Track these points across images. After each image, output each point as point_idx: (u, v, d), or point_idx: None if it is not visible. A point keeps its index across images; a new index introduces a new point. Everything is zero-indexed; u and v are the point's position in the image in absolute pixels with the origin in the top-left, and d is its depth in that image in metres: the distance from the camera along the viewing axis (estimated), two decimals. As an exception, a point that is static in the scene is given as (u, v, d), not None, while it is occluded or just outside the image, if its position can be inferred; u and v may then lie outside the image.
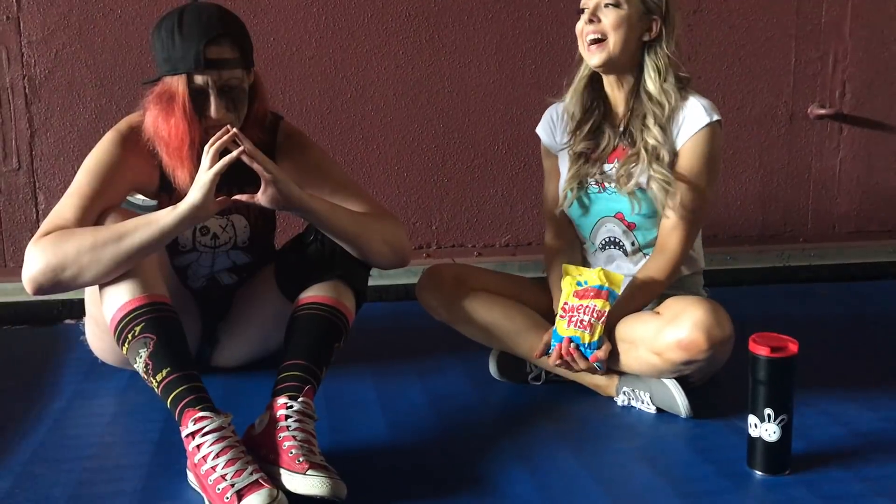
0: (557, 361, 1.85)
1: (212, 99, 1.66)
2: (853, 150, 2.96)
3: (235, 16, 1.73)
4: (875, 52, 2.91)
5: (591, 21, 1.84)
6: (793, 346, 1.58)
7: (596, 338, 1.80)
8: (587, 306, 1.80)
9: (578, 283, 1.84)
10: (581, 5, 1.88)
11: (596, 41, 1.84)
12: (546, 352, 1.87)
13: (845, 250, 2.99)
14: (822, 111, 2.89)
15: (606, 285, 1.81)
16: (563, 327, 1.83)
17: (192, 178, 1.62)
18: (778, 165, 2.93)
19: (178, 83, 1.65)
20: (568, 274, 1.87)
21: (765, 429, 1.58)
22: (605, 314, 1.80)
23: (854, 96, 2.93)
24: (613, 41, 1.83)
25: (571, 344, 1.81)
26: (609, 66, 1.86)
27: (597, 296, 1.81)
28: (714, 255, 2.79)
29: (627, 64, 1.87)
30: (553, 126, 2.02)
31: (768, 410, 1.57)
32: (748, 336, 1.60)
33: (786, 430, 1.58)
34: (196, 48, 1.63)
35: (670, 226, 1.87)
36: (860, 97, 2.93)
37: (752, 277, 2.93)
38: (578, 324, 1.80)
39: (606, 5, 1.83)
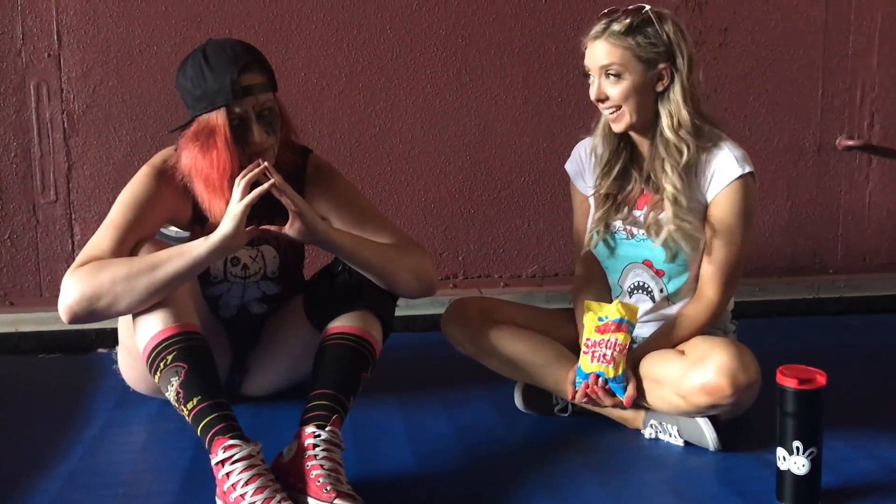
0: (584, 399, 1.85)
1: (253, 125, 1.69)
2: (883, 182, 2.93)
3: (251, 44, 1.77)
4: (903, 83, 2.90)
5: (599, 100, 1.83)
6: (821, 378, 1.57)
7: (620, 371, 1.80)
8: (608, 340, 1.80)
9: (600, 319, 1.83)
10: (585, 70, 1.86)
11: (612, 110, 1.84)
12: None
13: (876, 282, 2.96)
14: (851, 142, 2.87)
15: (626, 318, 1.81)
16: (587, 363, 1.83)
17: None
18: (806, 197, 2.91)
19: (217, 117, 1.68)
20: (590, 310, 1.86)
21: (794, 462, 1.57)
22: (627, 347, 1.81)
23: (883, 127, 2.90)
24: (629, 110, 1.82)
25: (599, 380, 1.80)
26: (632, 128, 1.86)
27: (617, 329, 1.81)
28: (742, 287, 2.75)
29: (650, 118, 1.85)
30: (581, 164, 2.01)
31: (797, 443, 1.56)
32: (776, 368, 1.60)
33: (815, 463, 1.57)
34: (231, 77, 1.66)
35: (707, 277, 1.86)
36: (889, 128, 2.91)
37: (780, 309, 2.90)
38: (601, 358, 1.80)
39: (608, 75, 1.81)
